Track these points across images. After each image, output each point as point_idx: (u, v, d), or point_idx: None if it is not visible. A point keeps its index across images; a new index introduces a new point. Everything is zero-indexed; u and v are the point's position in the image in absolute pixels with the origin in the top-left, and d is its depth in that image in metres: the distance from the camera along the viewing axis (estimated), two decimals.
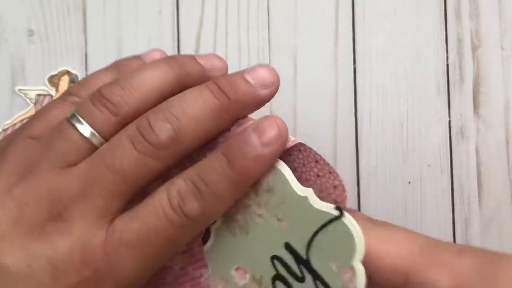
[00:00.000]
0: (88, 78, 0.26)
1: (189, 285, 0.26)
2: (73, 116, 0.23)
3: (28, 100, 0.41)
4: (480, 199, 0.41)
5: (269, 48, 0.42)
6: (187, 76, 0.24)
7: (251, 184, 0.23)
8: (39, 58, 0.42)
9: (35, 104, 0.41)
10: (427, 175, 0.41)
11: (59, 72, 0.41)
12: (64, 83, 0.41)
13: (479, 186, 0.41)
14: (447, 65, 0.41)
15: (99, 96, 0.23)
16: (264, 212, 0.23)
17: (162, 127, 0.22)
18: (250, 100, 0.23)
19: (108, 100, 0.23)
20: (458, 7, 0.41)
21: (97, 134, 0.23)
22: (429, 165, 0.41)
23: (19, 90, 0.41)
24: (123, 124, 0.23)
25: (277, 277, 0.24)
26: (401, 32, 0.41)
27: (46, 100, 0.41)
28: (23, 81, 0.41)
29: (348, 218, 0.23)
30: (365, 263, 0.22)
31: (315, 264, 0.23)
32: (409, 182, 0.41)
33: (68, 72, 0.41)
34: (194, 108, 0.22)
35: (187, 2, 0.42)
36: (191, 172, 0.22)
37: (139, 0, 0.42)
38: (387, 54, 0.41)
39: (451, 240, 0.41)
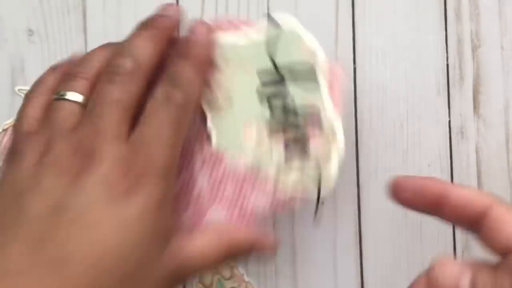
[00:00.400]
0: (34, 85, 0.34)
1: (223, 183, 0.31)
2: (57, 94, 0.30)
3: None
4: None
5: None
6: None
7: (207, 64, 0.31)
8: (39, 58, 0.42)
9: None
10: (427, 175, 0.41)
11: None
12: None
13: (479, 186, 0.41)
14: (447, 65, 0.41)
15: (67, 75, 0.31)
16: (233, 77, 0.31)
17: (124, 62, 0.30)
18: (168, 23, 0.32)
19: (76, 72, 0.31)
20: (458, 7, 0.41)
21: (81, 95, 0.30)
22: (429, 165, 0.41)
23: (19, 90, 0.41)
24: (95, 82, 0.30)
25: (269, 97, 0.31)
26: (401, 32, 0.41)
27: None
28: (23, 81, 0.41)
29: (285, 22, 0.31)
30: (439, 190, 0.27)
31: (283, 62, 0.31)
32: None
33: None
34: (139, 44, 0.31)
35: (187, 2, 0.42)
36: (164, 79, 0.30)
37: (139, 0, 0.42)
38: (387, 54, 0.41)
39: (451, 240, 0.41)
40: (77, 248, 0.26)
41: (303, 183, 0.30)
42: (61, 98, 0.30)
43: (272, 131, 0.30)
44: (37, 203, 0.27)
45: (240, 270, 0.41)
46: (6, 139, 0.41)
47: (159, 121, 0.29)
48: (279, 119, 0.30)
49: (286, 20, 0.30)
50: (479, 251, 0.41)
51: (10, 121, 0.41)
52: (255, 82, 0.30)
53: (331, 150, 0.31)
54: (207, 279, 0.40)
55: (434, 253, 0.36)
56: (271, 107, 0.30)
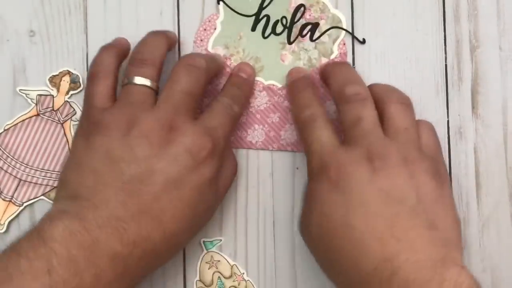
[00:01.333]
0: None
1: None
2: (129, 78, 0.36)
3: (29, 100, 0.41)
4: (478, 199, 0.41)
5: None
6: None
7: (251, 91, 0.41)
8: (40, 58, 0.42)
9: (36, 104, 0.41)
10: None
11: (60, 73, 0.42)
12: (65, 84, 0.41)
13: (478, 185, 0.41)
14: (446, 65, 0.42)
15: (135, 60, 0.37)
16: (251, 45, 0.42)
17: (200, 60, 0.38)
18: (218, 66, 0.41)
19: (143, 59, 0.37)
20: (456, 8, 0.42)
21: (150, 80, 0.36)
22: None
23: (21, 90, 0.41)
24: (159, 69, 0.37)
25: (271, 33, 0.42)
26: (400, 33, 0.42)
27: (47, 100, 0.41)
28: (25, 81, 0.42)
29: None
30: None
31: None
32: None
33: (69, 73, 0.42)
34: (208, 55, 0.40)
35: (188, 2, 0.42)
36: (226, 94, 0.39)
37: (140, 1, 0.42)
38: (386, 54, 0.42)
39: None
40: (168, 202, 0.34)
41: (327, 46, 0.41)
42: (133, 82, 0.36)
43: (291, 43, 0.41)
44: (132, 168, 0.33)
45: (240, 269, 0.41)
46: (7, 139, 0.41)
47: (223, 116, 0.37)
48: (288, 34, 0.41)
49: None
50: (478, 250, 0.41)
51: (11, 121, 0.41)
52: (258, 36, 0.41)
53: (326, 14, 0.41)
54: (208, 278, 0.40)
55: None
56: (278, 34, 0.41)
